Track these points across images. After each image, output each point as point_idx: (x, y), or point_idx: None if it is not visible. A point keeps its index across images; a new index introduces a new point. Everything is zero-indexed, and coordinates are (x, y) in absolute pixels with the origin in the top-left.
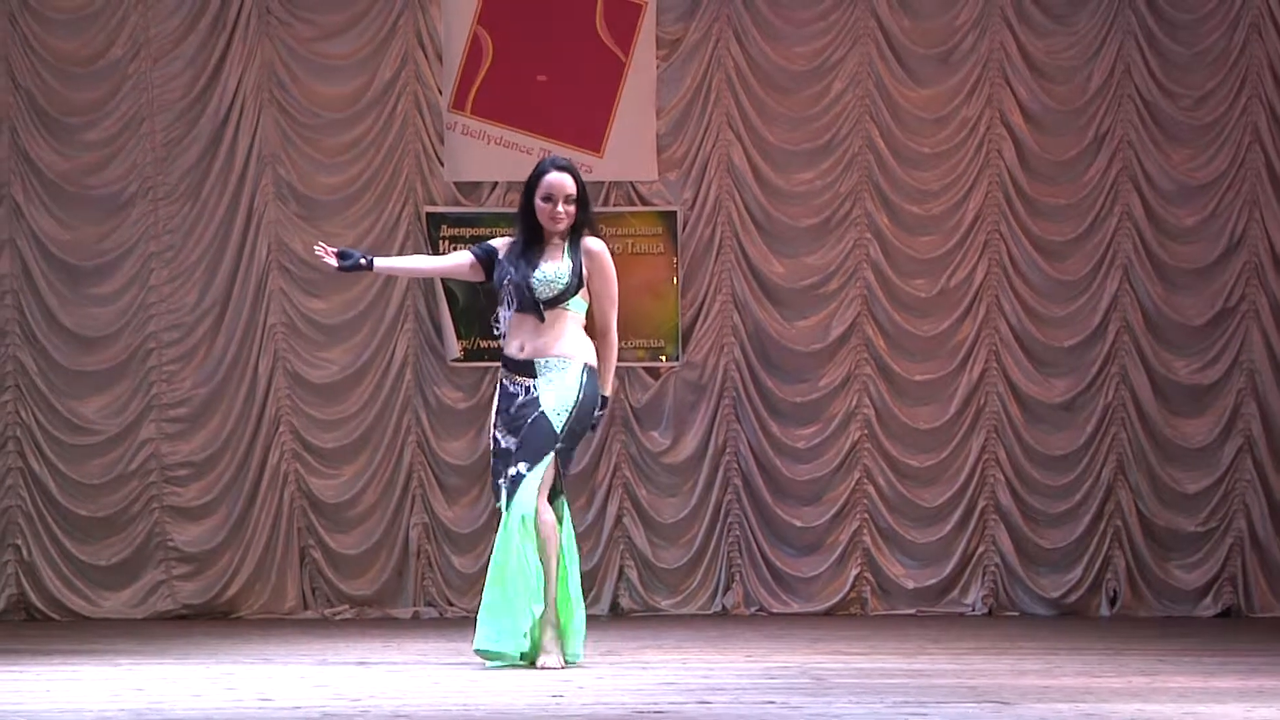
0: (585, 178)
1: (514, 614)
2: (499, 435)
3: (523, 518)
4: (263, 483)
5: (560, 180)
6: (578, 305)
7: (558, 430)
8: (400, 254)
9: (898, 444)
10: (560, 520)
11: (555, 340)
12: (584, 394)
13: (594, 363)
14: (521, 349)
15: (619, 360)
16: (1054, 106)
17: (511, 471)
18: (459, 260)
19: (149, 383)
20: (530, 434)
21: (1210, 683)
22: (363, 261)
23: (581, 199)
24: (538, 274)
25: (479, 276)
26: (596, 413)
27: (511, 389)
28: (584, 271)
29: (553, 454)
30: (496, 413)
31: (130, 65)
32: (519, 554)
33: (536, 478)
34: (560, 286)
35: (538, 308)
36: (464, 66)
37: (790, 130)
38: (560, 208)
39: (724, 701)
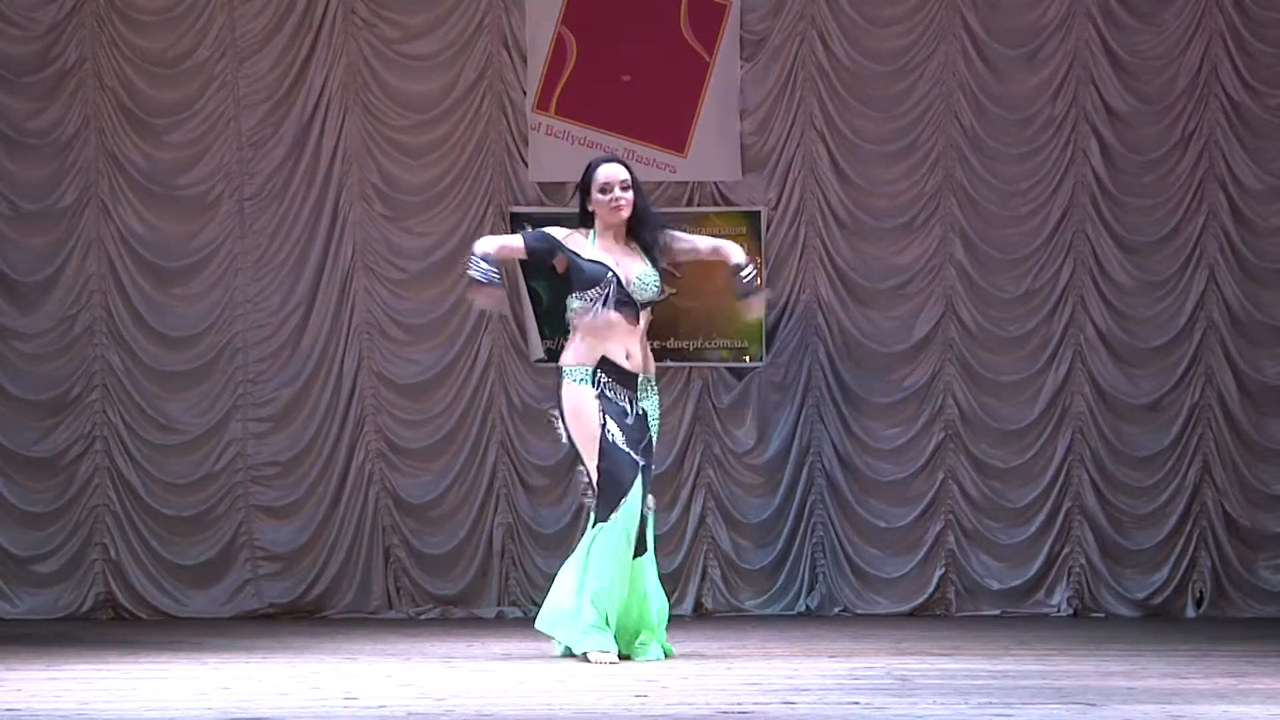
0: (669, 178)
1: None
2: (622, 441)
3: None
4: (348, 482)
5: (613, 170)
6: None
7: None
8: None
9: (982, 444)
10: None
11: (646, 355)
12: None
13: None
14: (628, 356)
15: (702, 360)
16: (1139, 105)
17: (650, 501)
18: (515, 247)
19: (235, 382)
20: (650, 458)
21: None
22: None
23: (635, 184)
24: (638, 275)
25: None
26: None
27: (614, 398)
28: (661, 266)
29: None
30: (605, 414)
31: (216, 65)
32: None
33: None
34: (655, 289)
35: (636, 310)
36: (548, 67)
37: (874, 129)
38: (618, 193)
39: (808, 702)
